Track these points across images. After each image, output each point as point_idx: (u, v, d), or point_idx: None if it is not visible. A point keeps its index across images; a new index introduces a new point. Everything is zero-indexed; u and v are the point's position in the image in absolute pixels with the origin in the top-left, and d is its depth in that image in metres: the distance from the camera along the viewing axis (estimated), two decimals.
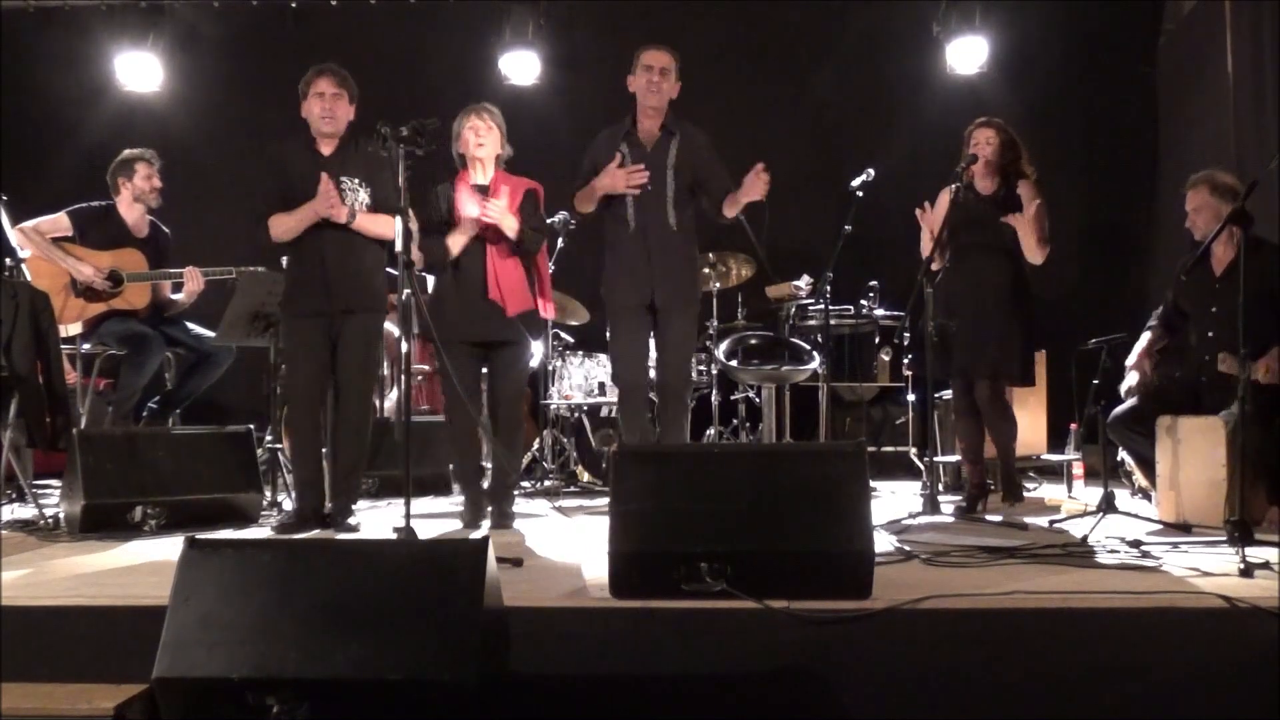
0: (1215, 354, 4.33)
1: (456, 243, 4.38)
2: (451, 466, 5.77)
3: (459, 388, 4.30)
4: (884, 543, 3.59)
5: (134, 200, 5.47)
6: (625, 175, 4.38)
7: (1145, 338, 4.68)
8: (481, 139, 4.40)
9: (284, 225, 4.26)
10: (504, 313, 4.36)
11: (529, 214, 4.48)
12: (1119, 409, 4.53)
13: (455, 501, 5.36)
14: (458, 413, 4.41)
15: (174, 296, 5.51)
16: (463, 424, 4.43)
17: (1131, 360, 4.65)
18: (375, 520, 4.51)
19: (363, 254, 4.33)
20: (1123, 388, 4.63)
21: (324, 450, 4.60)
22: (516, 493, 5.06)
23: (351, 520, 4.29)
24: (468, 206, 4.35)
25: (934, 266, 4.63)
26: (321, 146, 4.32)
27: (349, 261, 4.29)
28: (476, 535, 3.85)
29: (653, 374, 4.77)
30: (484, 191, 4.45)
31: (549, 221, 5.13)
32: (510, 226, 4.36)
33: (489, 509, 4.53)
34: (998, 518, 4.47)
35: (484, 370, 4.57)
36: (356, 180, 4.29)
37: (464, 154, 4.46)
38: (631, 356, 4.55)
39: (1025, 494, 5.10)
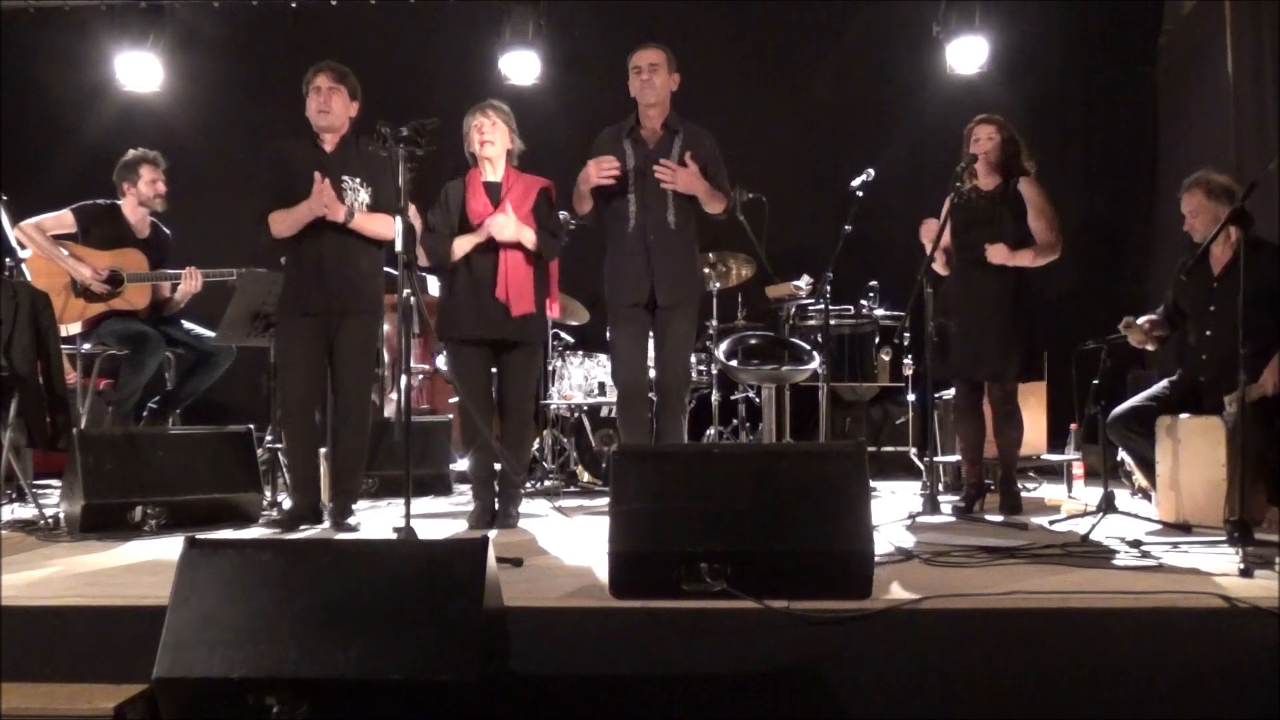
0: (1215, 354, 4.33)
1: (463, 245, 4.39)
2: (455, 468, 5.78)
3: (467, 389, 4.33)
4: (884, 543, 3.59)
5: (138, 204, 5.47)
6: (596, 166, 4.37)
7: (1149, 316, 4.67)
8: (487, 136, 4.41)
9: (283, 223, 4.26)
10: (510, 313, 4.37)
11: (543, 214, 4.49)
12: (1119, 409, 4.52)
13: (455, 501, 5.37)
14: (468, 418, 4.43)
15: (170, 295, 5.51)
16: (473, 428, 4.42)
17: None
18: (375, 520, 4.51)
19: (361, 255, 4.34)
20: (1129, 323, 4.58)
21: (322, 450, 4.61)
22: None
23: (351, 520, 4.30)
24: (494, 227, 4.35)
25: (941, 272, 4.64)
26: (324, 143, 4.34)
27: (347, 262, 4.29)
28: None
29: (652, 373, 4.76)
30: (495, 189, 4.46)
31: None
32: (529, 239, 4.40)
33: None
34: (998, 518, 4.48)
35: (494, 370, 4.58)
36: (358, 180, 4.31)
37: (474, 153, 4.47)
38: (631, 357, 4.54)
39: (1026, 493, 5.11)
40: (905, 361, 6.00)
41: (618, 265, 4.52)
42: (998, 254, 4.53)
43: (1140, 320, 4.61)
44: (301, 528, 4.28)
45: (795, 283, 6.04)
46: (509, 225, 4.35)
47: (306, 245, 4.28)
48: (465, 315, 4.40)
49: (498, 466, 4.52)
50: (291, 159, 4.31)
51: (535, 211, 4.46)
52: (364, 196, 4.31)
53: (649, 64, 4.42)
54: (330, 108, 4.28)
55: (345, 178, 4.29)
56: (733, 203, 4.56)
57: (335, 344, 4.33)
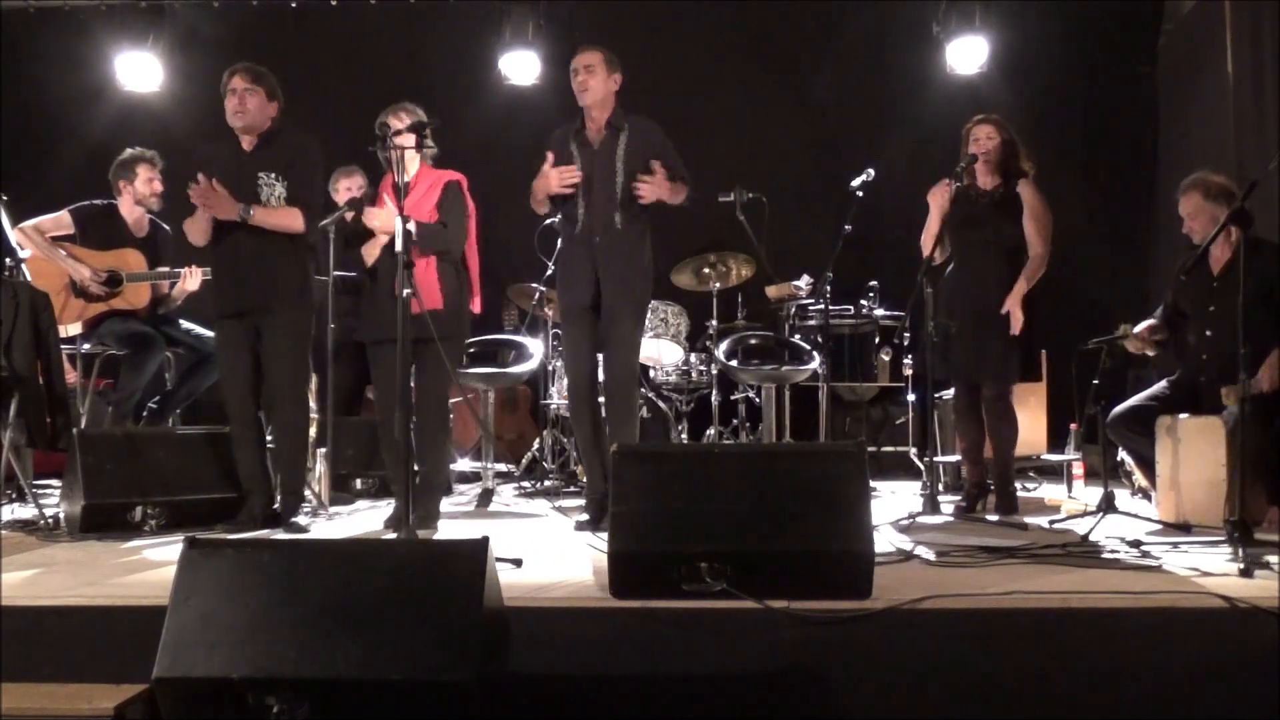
0: (1215, 354, 4.33)
1: (370, 254, 4.39)
2: (455, 468, 5.78)
3: (381, 390, 4.37)
4: (884, 543, 3.59)
5: (135, 203, 5.47)
6: (558, 175, 4.31)
7: (1147, 322, 4.67)
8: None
9: (191, 230, 4.28)
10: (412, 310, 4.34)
11: (444, 207, 4.44)
12: (1119, 409, 4.52)
13: (455, 501, 5.37)
14: (384, 419, 4.40)
15: (168, 293, 5.50)
16: (388, 430, 4.36)
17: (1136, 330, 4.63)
18: (375, 520, 4.51)
19: (278, 252, 4.28)
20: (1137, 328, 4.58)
21: (321, 450, 4.60)
22: (503, 490, 5.03)
23: (300, 520, 4.32)
24: (367, 217, 4.36)
25: (935, 262, 4.63)
26: (244, 143, 4.31)
27: (263, 259, 4.25)
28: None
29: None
30: (404, 190, 4.43)
31: (550, 222, 5.11)
32: (412, 229, 4.34)
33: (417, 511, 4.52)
34: (998, 518, 4.48)
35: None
36: (274, 175, 4.27)
37: (388, 157, 4.38)
38: (575, 357, 4.49)
39: (1026, 493, 5.10)
40: (905, 361, 6.00)
41: (566, 267, 4.49)
42: (1014, 308, 4.51)
43: (1138, 328, 4.61)
44: (261, 525, 4.26)
45: (795, 283, 6.04)
46: (380, 215, 4.33)
47: (223, 245, 4.27)
48: (375, 316, 4.37)
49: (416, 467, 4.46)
50: (211, 162, 4.26)
51: (440, 207, 4.43)
52: (280, 191, 4.27)
53: (584, 65, 4.36)
54: (245, 108, 4.24)
55: (262, 174, 4.25)
56: (690, 190, 4.44)
57: (261, 344, 4.31)
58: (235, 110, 4.25)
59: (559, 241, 5.19)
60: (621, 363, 4.42)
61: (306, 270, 4.45)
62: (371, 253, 4.42)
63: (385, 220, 4.31)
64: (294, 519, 4.30)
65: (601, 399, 4.57)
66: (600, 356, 4.54)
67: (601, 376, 4.58)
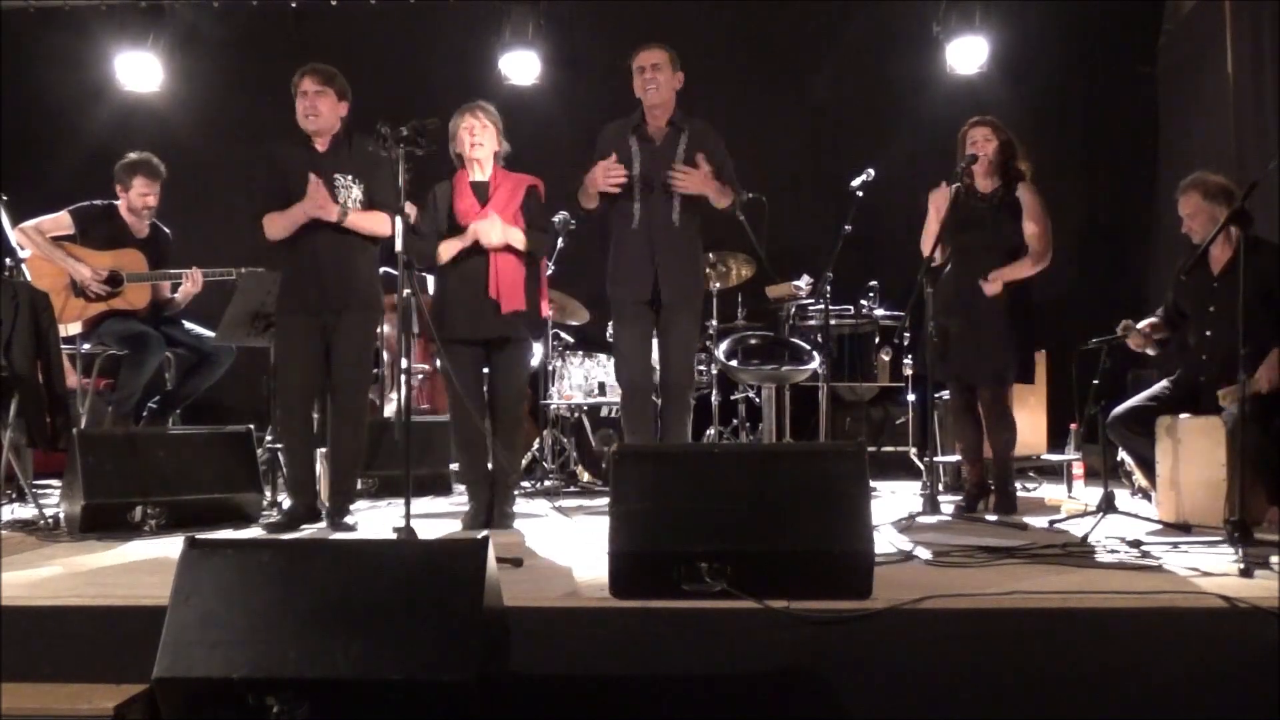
0: (1215, 354, 4.33)
1: (449, 249, 4.38)
2: (455, 468, 5.78)
3: (459, 388, 4.31)
4: (884, 543, 3.59)
5: (128, 209, 5.48)
6: (604, 170, 4.35)
7: (1149, 320, 4.67)
8: (477, 138, 4.40)
9: (276, 225, 4.28)
10: (501, 310, 4.37)
11: (533, 212, 4.48)
12: (1119, 409, 4.52)
13: (455, 501, 5.36)
14: (462, 416, 4.40)
15: (171, 296, 5.51)
16: (467, 427, 4.41)
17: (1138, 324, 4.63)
18: (375, 520, 4.51)
19: (357, 253, 4.34)
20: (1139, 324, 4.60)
21: (319, 450, 4.60)
22: (516, 493, 5.05)
23: (349, 520, 4.31)
24: (480, 233, 4.31)
25: (935, 263, 4.63)
26: (316, 144, 4.34)
27: (343, 260, 4.30)
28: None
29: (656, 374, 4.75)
30: (483, 189, 4.45)
31: (551, 220, 5.13)
32: (518, 240, 4.38)
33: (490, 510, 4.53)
34: (998, 518, 4.47)
35: (484, 370, 4.57)
36: (350, 177, 4.30)
37: (461, 154, 4.46)
38: (635, 354, 4.53)
39: (1026, 493, 5.10)
40: (905, 361, 5.99)
41: (622, 262, 4.51)
42: (993, 287, 4.54)
43: (1140, 325, 4.61)
44: (301, 528, 4.29)
45: (795, 283, 6.04)
46: (495, 229, 4.32)
47: (302, 244, 4.28)
48: (457, 314, 4.38)
49: (490, 466, 4.50)
50: (284, 161, 4.33)
51: (524, 209, 4.46)
52: (357, 194, 4.30)
53: (652, 64, 4.43)
54: (317, 111, 4.28)
55: (338, 176, 4.29)
56: (740, 196, 4.55)
57: (332, 342, 4.33)
58: (307, 113, 4.28)
59: (559, 242, 5.20)
60: (682, 363, 4.50)
61: (378, 272, 4.49)
62: (448, 251, 4.39)
63: (492, 233, 4.29)
64: (343, 519, 4.31)
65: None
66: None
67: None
